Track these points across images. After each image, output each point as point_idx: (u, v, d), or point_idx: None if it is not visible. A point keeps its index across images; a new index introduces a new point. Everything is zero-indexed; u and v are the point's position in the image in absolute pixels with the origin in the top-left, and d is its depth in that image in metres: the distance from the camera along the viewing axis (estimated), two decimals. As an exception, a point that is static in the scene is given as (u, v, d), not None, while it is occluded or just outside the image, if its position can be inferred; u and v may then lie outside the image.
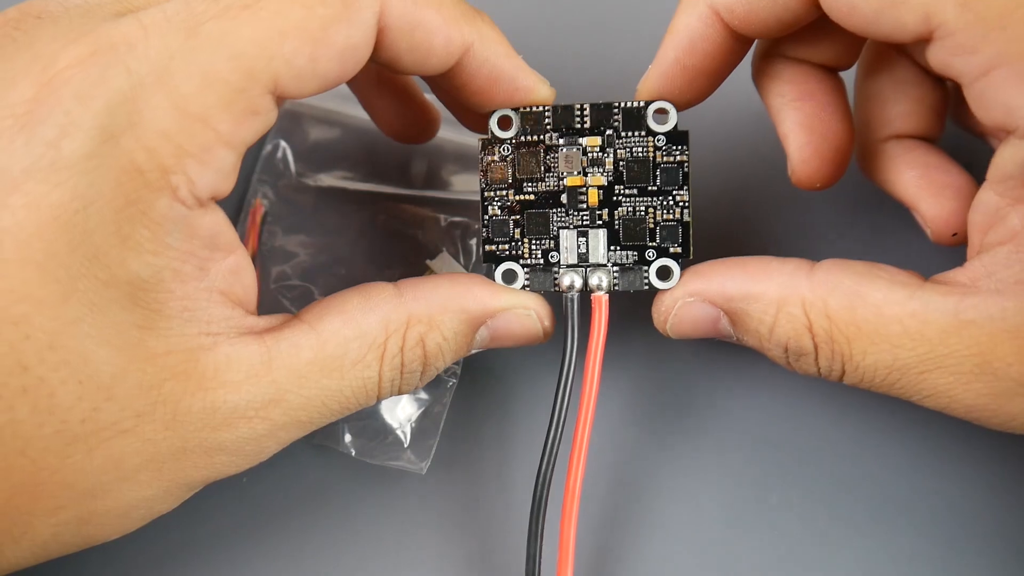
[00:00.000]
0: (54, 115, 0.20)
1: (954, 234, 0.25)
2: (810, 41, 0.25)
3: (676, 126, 0.25)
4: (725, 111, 0.30)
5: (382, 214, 0.32)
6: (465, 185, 0.32)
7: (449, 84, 0.25)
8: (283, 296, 0.31)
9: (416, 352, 0.24)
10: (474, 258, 0.31)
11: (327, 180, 0.32)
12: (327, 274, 0.31)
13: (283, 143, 0.32)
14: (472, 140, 0.32)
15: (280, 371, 0.22)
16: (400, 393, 0.25)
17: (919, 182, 0.26)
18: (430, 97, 0.29)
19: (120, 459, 0.21)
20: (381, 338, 0.23)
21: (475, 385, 0.30)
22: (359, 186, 0.32)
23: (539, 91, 0.25)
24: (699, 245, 0.26)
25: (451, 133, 0.32)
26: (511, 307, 0.25)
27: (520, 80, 0.25)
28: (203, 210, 0.22)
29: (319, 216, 0.32)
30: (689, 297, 0.24)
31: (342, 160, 0.32)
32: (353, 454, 0.29)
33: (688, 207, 0.25)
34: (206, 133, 0.21)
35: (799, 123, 0.25)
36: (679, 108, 0.25)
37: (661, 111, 0.25)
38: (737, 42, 0.24)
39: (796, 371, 0.24)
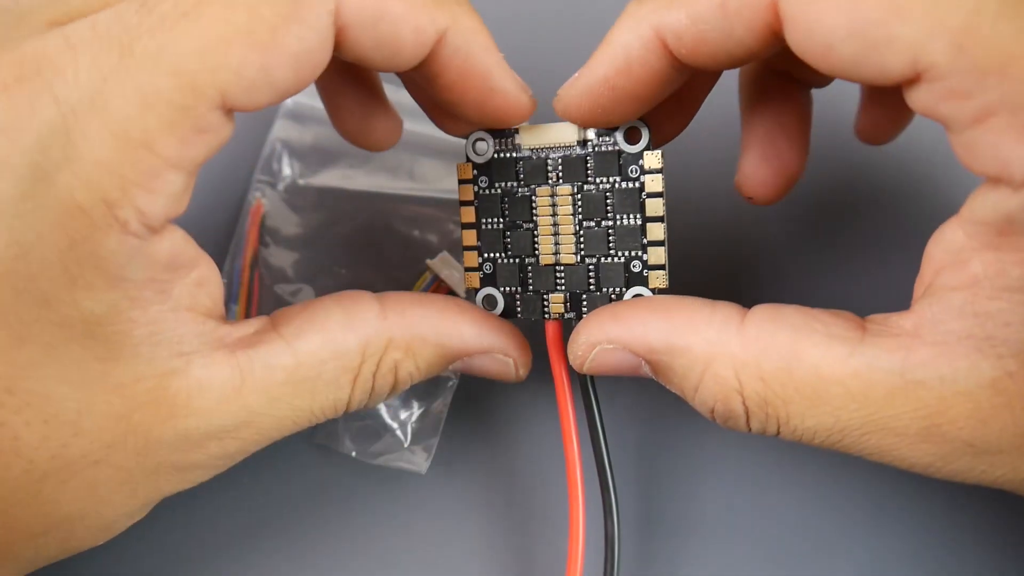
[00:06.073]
0: None
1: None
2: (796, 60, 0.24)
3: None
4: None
5: (382, 214, 0.31)
6: (465, 185, 0.32)
7: (420, 77, 0.23)
8: (283, 296, 0.31)
9: (387, 379, 0.23)
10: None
11: (327, 180, 0.32)
12: (327, 274, 0.31)
13: (283, 143, 0.32)
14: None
15: (252, 395, 0.22)
16: (367, 408, 0.25)
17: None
18: (401, 97, 0.28)
19: (94, 486, 0.21)
20: (357, 362, 0.23)
21: (475, 385, 0.30)
22: (359, 186, 0.32)
23: (517, 98, 0.23)
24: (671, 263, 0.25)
25: (451, 133, 0.32)
26: (492, 350, 0.24)
27: (496, 80, 0.23)
28: (158, 236, 0.20)
29: (319, 216, 0.32)
30: (608, 344, 0.22)
31: (342, 160, 0.32)
32: (353, 454, 0.30)
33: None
34: (150, 159, 0.19)
35: (762, 140, 0.25)
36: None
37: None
38: (677, 71, 0.22)
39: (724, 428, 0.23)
